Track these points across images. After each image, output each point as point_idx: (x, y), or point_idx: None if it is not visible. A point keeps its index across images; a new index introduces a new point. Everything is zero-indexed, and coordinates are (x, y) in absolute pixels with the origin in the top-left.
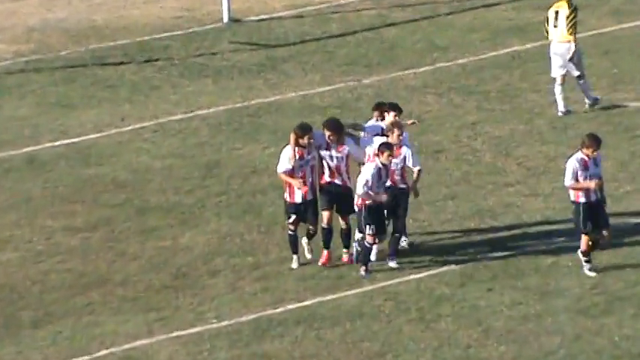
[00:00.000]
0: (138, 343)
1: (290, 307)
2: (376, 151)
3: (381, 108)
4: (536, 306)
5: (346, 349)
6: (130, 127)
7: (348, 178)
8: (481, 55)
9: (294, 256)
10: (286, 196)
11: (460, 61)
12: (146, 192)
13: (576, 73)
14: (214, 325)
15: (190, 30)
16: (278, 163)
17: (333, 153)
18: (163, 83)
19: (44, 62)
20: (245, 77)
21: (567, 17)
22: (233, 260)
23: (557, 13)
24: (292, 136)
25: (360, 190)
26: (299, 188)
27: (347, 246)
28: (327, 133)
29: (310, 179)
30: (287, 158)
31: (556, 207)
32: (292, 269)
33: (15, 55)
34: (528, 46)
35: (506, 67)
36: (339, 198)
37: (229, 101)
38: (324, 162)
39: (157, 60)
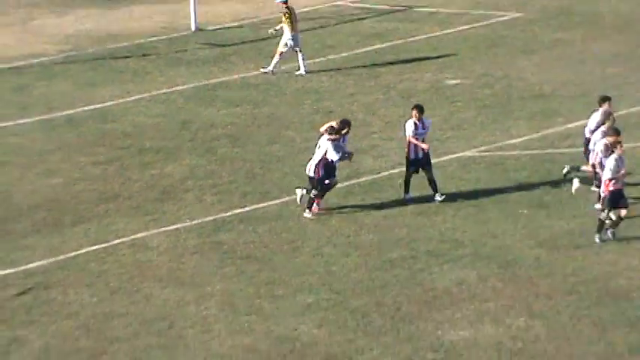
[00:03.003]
0: (139, 235)
1: (236, 211)
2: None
3: None
4: None
5: (272, 239)
6: (132, 98)
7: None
8: None
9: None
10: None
11: None
12: (143, 139)
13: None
14: (187, 223)
15: (171, 35)
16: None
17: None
18: (154, 69)
19: (77, 57)
20: (206, 66)
21: None
22: (199, 182)
23: None
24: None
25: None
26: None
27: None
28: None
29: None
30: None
31: None
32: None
33: (58, 52)
34: None
35: None
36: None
37: (196, 81)
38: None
39: (149, 55)
